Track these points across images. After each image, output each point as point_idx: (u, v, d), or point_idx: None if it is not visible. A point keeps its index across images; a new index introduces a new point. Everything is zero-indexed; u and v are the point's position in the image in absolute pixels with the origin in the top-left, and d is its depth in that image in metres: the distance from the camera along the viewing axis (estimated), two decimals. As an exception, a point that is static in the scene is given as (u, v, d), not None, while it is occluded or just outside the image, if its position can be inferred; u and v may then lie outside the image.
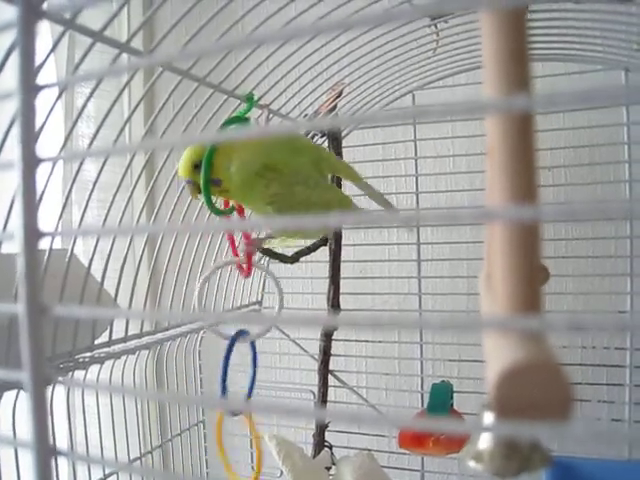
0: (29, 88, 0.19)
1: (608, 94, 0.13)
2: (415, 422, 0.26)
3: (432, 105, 0.16)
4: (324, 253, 0.78)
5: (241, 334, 0.52)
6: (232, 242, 0.57)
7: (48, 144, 0.47)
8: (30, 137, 0.19)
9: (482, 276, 0.29)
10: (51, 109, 0.43)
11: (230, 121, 0.53)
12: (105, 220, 0.55)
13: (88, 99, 0.46)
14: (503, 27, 0.17)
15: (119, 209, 0.56)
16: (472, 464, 0.29)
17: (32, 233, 0.19)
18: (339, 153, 0.77)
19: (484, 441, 0.30)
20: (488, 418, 0.30)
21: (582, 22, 0.64)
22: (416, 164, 0.86)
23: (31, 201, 0.19)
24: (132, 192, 0.58)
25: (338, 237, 0.78)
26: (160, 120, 0.57)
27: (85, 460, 0.21)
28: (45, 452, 0.19)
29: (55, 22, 0.29)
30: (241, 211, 0.55)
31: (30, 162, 0.19)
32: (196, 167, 0.48)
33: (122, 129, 0.50)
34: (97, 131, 0.47)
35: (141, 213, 0.62)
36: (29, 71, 0.19)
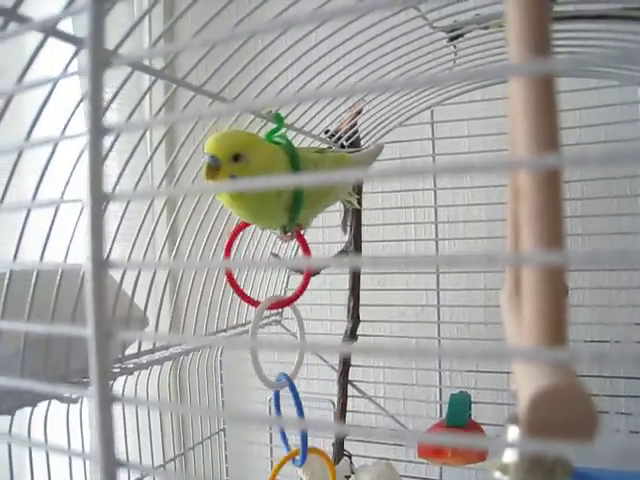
0: (98, 131, 0.21)
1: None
2: (436, 436, 0.27)
3: (461, 163, 0.17)
4: (344, 265, 0.79)
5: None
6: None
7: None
8: (98, 175, 0.21)
9: (504, 294, 0.31)
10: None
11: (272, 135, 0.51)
12: (136, 238, 0.57)
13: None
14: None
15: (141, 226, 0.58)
16: (498, 475, 0.31)
17: (100, 263, 0.21)
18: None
19: (509, 454, 0.31)
20: (513, 432, 0.31)
21: (597, 40, 0.65)
22: (434, 178, 0.88)
23: (99, 233, 0.21)
24: (159, 216, 0.60)
25: (358, 250, 0.80)
26: (182, 153, 0.59)
27: (150, 473, 0.23)
28: (111, 464, 0.20)
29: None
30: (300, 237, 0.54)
31: (98, 198, 0.21)
32: (235, 158, 0.43)
33: (149, 160, 0.52)
34: (126, 163, 0.49)
35: (167, 239, 0.64)
36: (97, 114, 0.21)
